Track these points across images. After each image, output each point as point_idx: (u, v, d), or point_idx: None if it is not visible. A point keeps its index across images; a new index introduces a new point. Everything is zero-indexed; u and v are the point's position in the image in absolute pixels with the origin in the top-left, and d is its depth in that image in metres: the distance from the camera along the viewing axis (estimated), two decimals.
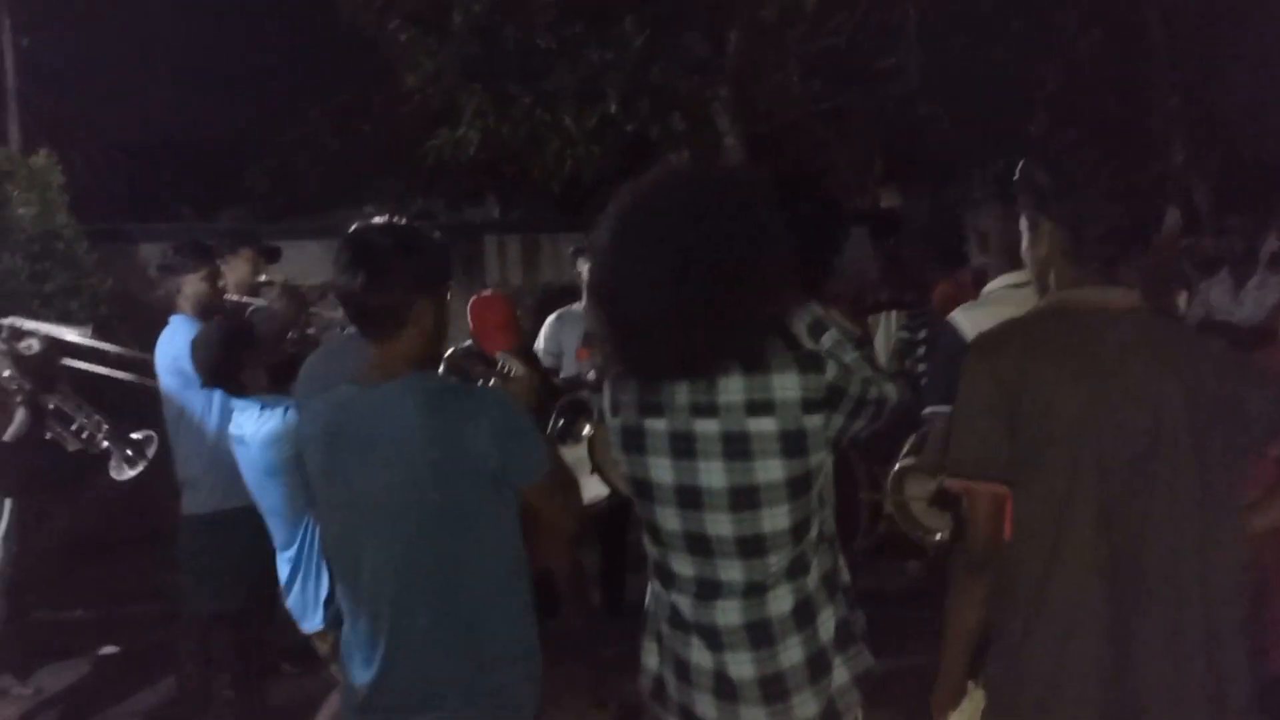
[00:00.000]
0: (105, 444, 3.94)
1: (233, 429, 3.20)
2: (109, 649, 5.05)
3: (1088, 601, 1.77)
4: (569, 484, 2.28)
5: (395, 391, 2.02)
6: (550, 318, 4.91)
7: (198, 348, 3.25)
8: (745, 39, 7.30)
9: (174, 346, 3.80)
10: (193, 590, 3.82)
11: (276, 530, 3.24)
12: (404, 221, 2.16)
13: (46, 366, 3.79)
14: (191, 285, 3.97)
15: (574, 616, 4.20)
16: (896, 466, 4.26)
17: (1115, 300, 1.82)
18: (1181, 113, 10.40)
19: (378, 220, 2.14)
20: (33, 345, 3.74)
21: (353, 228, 2.12)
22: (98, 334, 4.43)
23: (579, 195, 9.22)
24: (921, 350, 5.27)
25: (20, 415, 3.70)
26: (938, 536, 4.13)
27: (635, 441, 1.97)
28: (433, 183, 8.74)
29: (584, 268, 4.70)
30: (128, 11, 12.64)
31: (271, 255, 4.58)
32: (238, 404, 3.20)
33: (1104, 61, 10.15)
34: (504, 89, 7.41)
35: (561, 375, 4.74)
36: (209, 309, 3.99)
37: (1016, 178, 1.92)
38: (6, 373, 3.69)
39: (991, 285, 2.76)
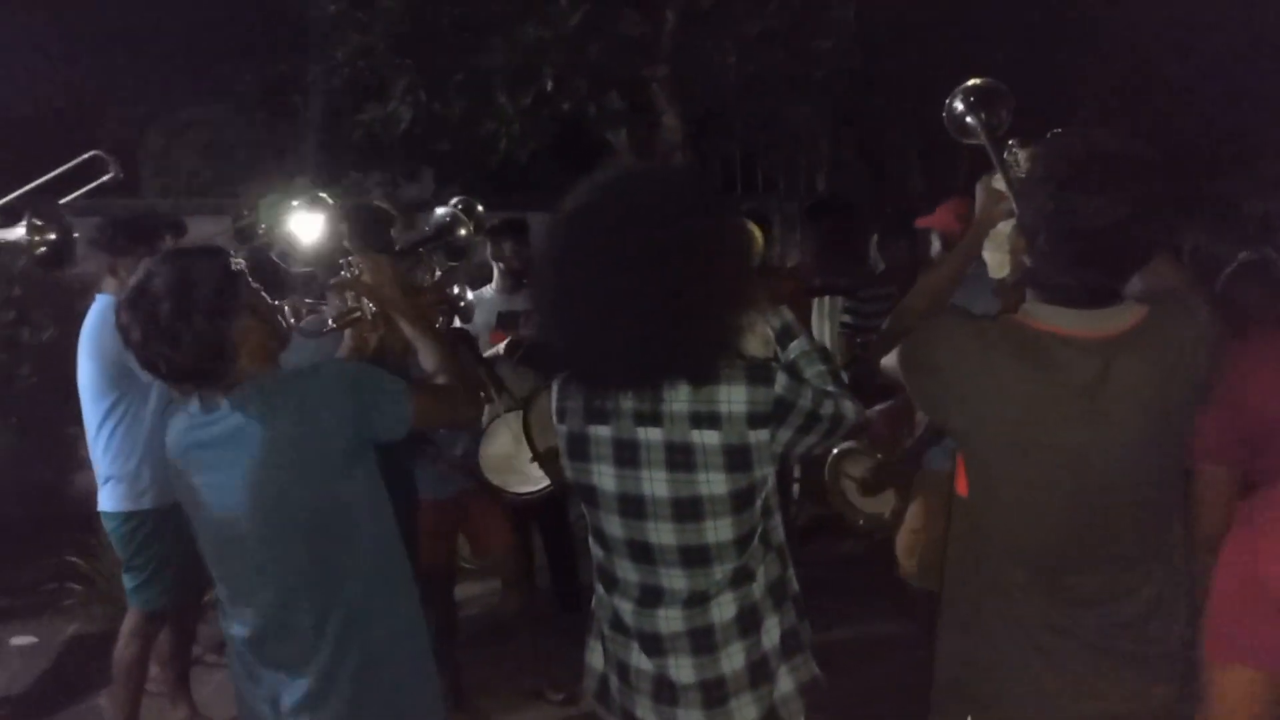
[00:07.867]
0: None
1: None
2: (24, 639, 4.91)
3: None
4: (445, 391, 2.22)
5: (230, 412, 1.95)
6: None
7: None
8: (681, 20, 7.23)
9: (95, 329, 3.62)
10: (136, 587, 3.70)
11: None
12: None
13: None
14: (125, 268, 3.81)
15: (513, 602, 4.14)
16: (834, 450, 4.25)
17: None
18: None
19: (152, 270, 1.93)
20: None
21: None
22: None
23: (515, 173, 9.10)
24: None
25: None
26: (862, 521, 4.14)
27: (580, 448, 1.94)
28: (367, 158, 8.53)
29: (505, 247, 4.57)
30: None
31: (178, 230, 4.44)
32: None
33: (1033, 46, 10.22)
34: (437, 66, 7.25)
35: None
36: None
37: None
38: None
39: None
